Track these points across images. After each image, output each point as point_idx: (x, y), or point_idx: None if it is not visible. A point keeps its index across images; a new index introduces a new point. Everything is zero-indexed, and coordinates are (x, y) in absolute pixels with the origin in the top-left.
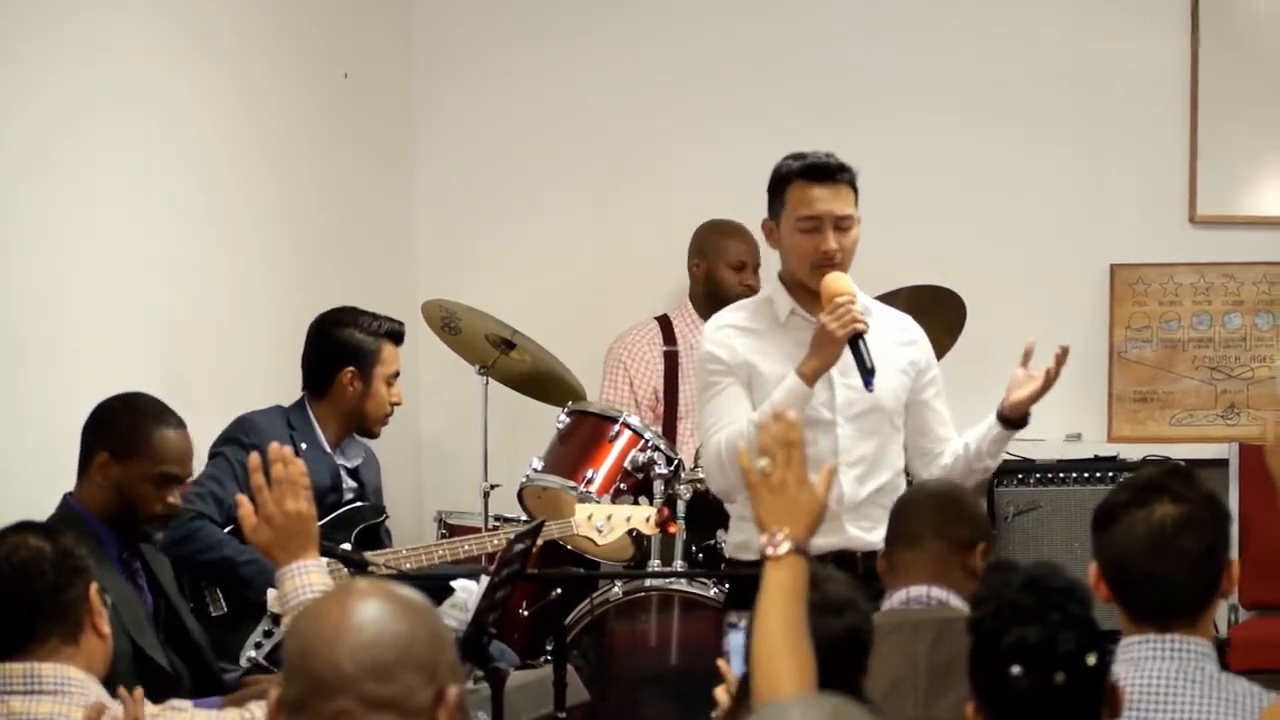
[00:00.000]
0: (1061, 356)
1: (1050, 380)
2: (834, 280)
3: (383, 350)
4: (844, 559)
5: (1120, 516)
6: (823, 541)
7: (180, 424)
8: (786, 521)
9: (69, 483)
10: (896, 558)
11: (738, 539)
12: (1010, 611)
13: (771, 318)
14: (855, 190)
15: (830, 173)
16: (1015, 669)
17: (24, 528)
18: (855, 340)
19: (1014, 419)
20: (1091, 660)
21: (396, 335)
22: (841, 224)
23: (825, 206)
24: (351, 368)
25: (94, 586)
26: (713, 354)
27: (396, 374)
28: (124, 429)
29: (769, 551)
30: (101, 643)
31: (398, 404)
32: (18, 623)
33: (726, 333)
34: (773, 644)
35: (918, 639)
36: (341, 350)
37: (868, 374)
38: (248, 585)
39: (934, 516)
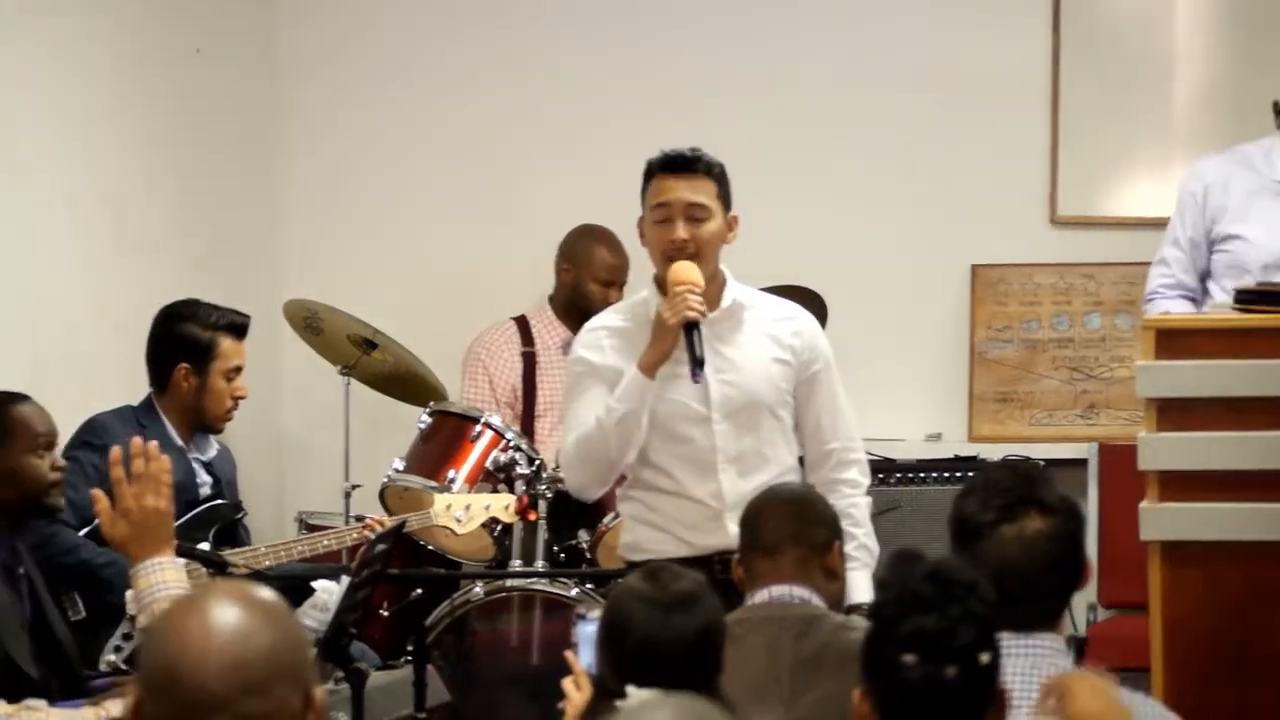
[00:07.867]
0: None
1: None
2: (677, 269)
3: (219, 345)
4: (727, 560)
5: (988, 533)
6: (705, 541)
7: (22, 395)
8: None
9: None
10: (755, 566)
11: (628, 539)
12: (911, 600)
13: (645, 317)
14: (720, 184)
15: (685, 164)
16: (909, 657)
17: None
18: (690, 329)
19: None
20: (985, 658)
21: (237, 328)
22: (694, 213)
23: (675, 195)
24: (185, 364)
25: None
26: (581, 356)
27: (238, 368)
28: None
29: None
30: None
31: (241, 398)
32: None
33: (598, 334)
34: None
35: (783, 633)
36: (177, 345)
37: (695, 364)
38: (108, 588)
39: (790, 524)
